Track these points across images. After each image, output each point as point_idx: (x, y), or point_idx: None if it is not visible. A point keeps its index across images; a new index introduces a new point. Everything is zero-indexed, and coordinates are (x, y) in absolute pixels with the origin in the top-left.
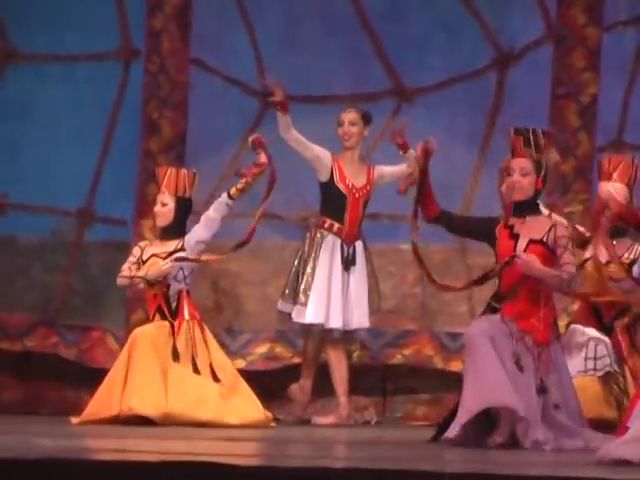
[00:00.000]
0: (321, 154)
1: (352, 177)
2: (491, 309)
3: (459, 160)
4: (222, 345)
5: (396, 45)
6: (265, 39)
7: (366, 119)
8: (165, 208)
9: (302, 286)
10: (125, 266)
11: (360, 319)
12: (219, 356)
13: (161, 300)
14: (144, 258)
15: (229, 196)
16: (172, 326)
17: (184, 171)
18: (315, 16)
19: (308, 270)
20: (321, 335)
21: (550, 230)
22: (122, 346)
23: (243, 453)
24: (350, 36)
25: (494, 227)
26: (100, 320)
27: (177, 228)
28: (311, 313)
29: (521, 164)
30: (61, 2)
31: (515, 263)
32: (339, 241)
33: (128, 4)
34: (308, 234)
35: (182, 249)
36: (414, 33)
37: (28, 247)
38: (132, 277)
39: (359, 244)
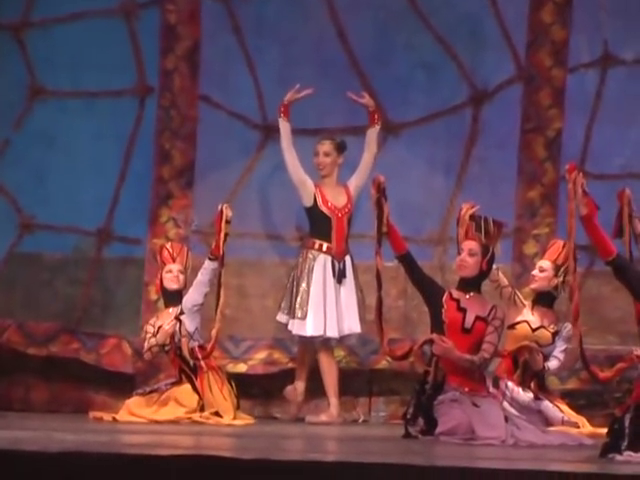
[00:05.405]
0: (307, 181)
1: (333, 199)
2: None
3: (438, 187)
4: (225, 351)
5: (382, 84)
6: (265, 78)
7: (340, 148)
8: (181, 275)
9: (298, 302)
10: (145, 344)
11: (351, 325)
12: (221, 403)
13: (180, 362)
14: (156, 332)
15: (210, 259)
16: (194, 384)
17: (186, 249)
18: (310, 58)
19: (303, 287)
20: (317, 343)
21: (492, 310)
22: (136, 352)
23: (245, 447)
24: (341, 76)
25: (441, 296)
26: (117, 328)
27: (181, 294)
28: (311, 327)
29: (470, 245)
30: (83, 44)
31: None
32: (330, 258)
33: (143, 46)
34: (301, 254)
35: (181, 312)
36: (398, 73)
37: (52, 263)
38: (150, 348)
39: (348, 259)
